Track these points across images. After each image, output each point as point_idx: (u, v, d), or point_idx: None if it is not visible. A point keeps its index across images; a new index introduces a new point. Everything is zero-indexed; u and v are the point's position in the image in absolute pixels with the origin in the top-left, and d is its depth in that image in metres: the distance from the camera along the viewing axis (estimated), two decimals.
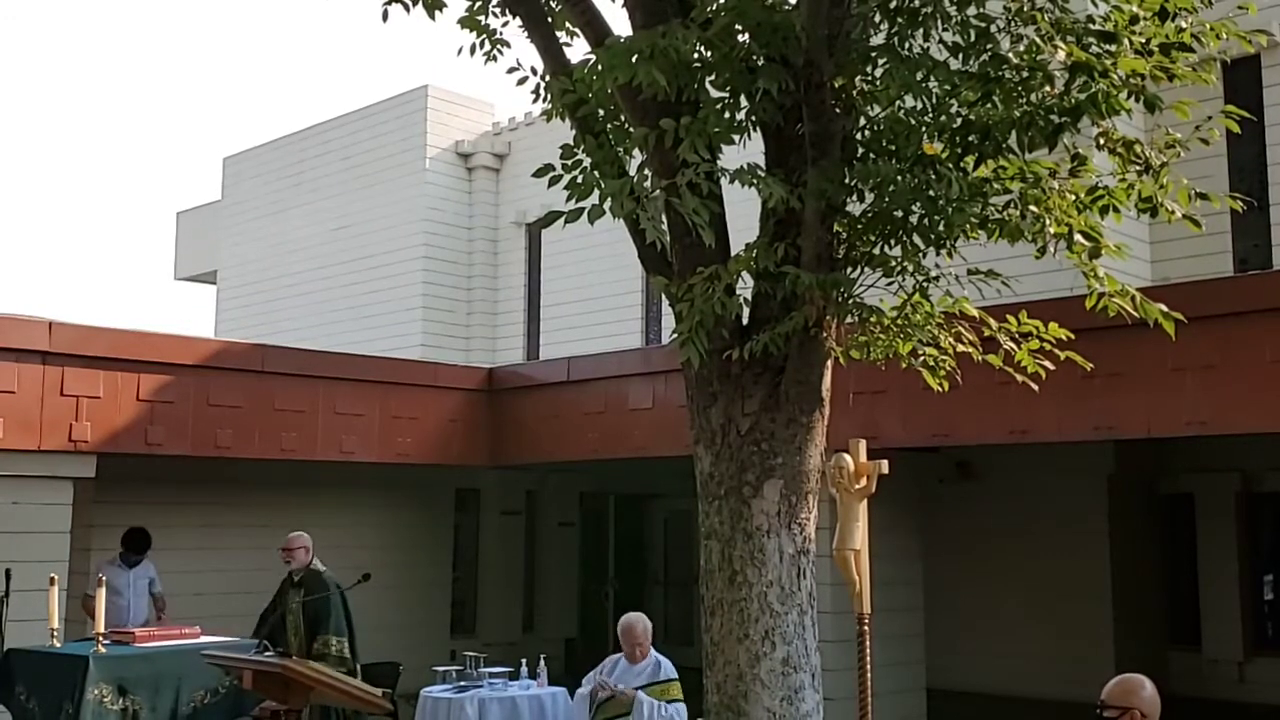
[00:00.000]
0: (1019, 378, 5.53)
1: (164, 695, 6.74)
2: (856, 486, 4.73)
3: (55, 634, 7.32)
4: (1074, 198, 5.13)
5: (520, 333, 17.67)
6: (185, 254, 22.76)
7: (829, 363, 5.56)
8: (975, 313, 5.40)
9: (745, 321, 5.46)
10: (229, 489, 11.70)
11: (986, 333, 5.46)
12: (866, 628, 4.81)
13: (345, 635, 7.80)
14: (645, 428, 11.02)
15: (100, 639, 6.93)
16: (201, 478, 11.45)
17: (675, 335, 5.02)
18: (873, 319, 5.28)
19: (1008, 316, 5.49)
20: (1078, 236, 5.09)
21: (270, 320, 19.11)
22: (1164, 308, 5.04)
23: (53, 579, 7.36)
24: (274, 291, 19.53)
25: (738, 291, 5.08)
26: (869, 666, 4.76)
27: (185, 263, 22.78)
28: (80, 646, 7.03)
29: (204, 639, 7.54)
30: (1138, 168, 5.09)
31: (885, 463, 4.78)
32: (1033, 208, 5.10)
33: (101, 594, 7.20)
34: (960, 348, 5.55)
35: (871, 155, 5.17)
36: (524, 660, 8.75)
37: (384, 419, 11.49)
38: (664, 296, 5.38)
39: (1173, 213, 4.97)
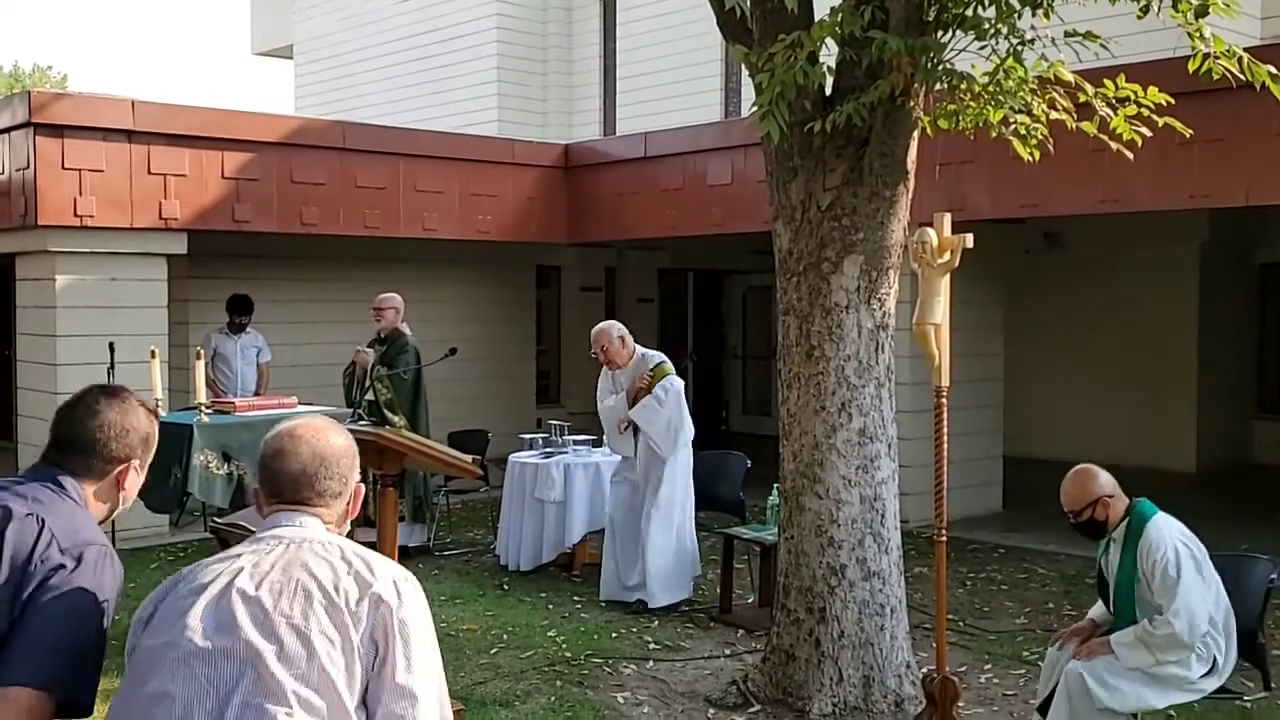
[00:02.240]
0: (1113, 145, 5.33)
1: None
2: (939, 261, 4.65)
3: (159, 404, 7.66)
4: None
5: (596, 107, 17.35)
6: (260, 28, 22.51)
7: (915, 133, 5.40)
8: (1071, 77, 5.16)
9: (828, 92, 5.30)
10: (316, 265, 11.92)
11: (1082, 98, 5.23)
12: (945, 400, 4.82)
13: (404, 413, 8.21)
14: (724, 204, 10.90)
15: (202, 408, 7.23)
16: (289, 254, 11.67)
17: (755, 108, 4.89)
18: (963, 86, 5.08)
19: (1105, 81, 5.24)
20: None
21: (347, 97, 18.97)
22: (1273, 69, 4.77)
23: (153, 352, 7.64)
24: (348, 67, 19.32)
25: (821, 60, 4.90)
26: (945, 438, 4.80)
27: (261, 37, 22.55)
28: (184, 416, 7.34)
29: (300, 408, 7.83)
30: None
31: (970, 236, 4.69)
32: None
33: (200, 366, 7.47)
34: (1053, 115, 5.34)
35: None
36: None
37: (463, 196, 11.51)
38: (744, 67, 5.21)
39: None
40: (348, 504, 2.36)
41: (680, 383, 7.38)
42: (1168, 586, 4.32)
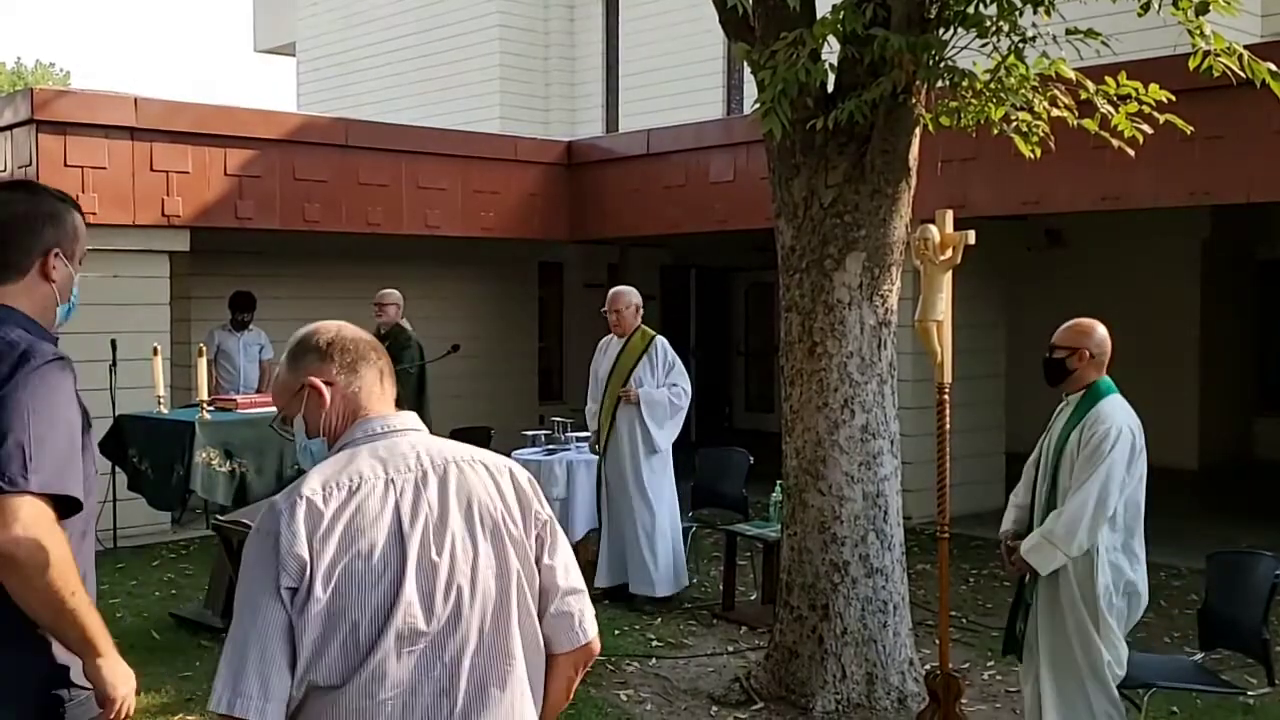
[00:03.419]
0: (1115, 142, 5.33)
1: (268, 459, 7.04)
2: (941, 258, 4.65)
3: (161, 401, 7.67)
4: None
5: (599, 104, 17.34)
6: (263, 25, 22.51)
7: (917, 131, 5.40)
8: (1072, 75, 5.16)
9: (830, 89, 5.30)
10: (319, 263, 11.93)
11: (1083, 95, 5.23)
12: (947, 397, 4.83)
13: (410, 408, 8.19)
14: (726, 201, 10.90)
15: (204, 406, 7.23)
16: (292, 251, 11.68)
17: (757, 105, 4.89)
18: (964, 83, 5.08)
19: (1106, 78, 5.24)
20: None
21: (349, 94, 18.97)
22: (1273, 67, 4.77)
23: (155, 349, 7.65)
24: (351, 64, 19.32)
25: (823, 57, 4.90)
26: (948, 434, 4.81)
27: (264, 34, 22.55)
28: (186, 413, 7.35)
29: None
30: None
31: (971, 233, 4.69)
32: None
33: (202, 364, 7.47)
34: (1055, 112, 5.34)
35: None
36: None
37: (466, 193, 11.51)
38: (746, 64, 5.21)
39: None
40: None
41: (664, 341, 7.44)
42: (1094, 461, 4.18)
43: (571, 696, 2.25)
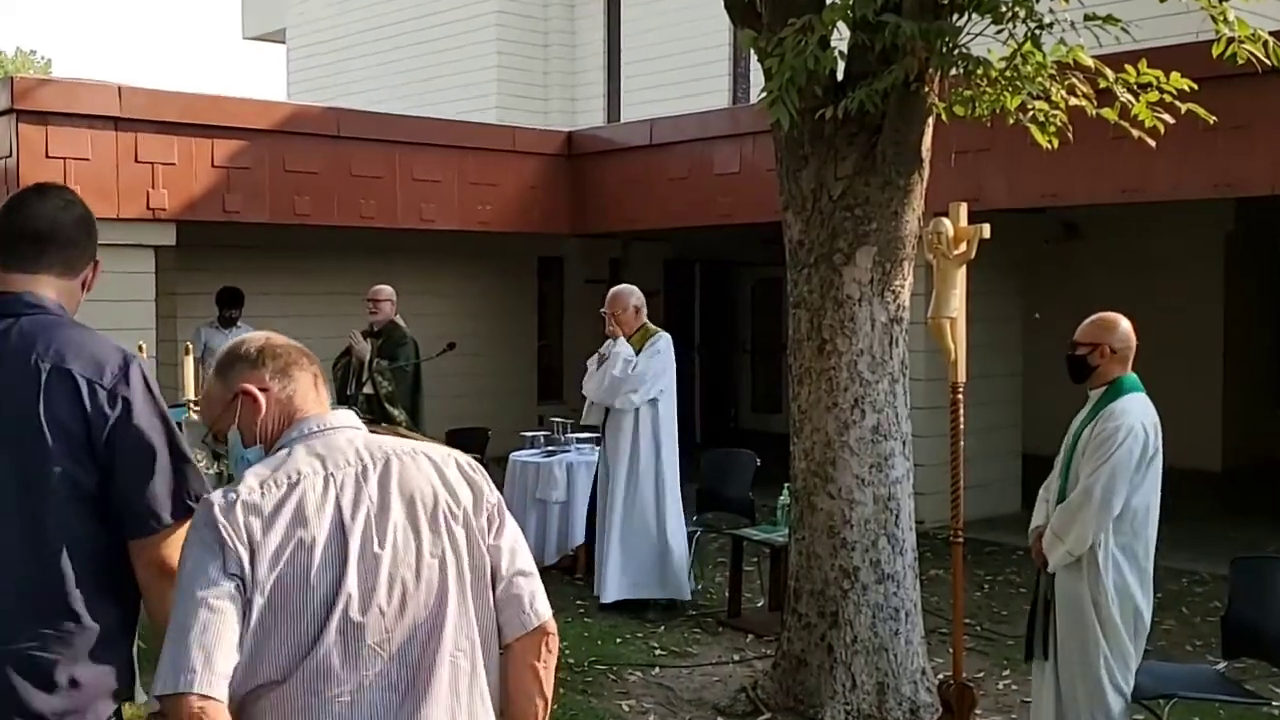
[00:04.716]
0: (1135, 133, 5.32)
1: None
2: (955, 252, 4.65)
3: None
4: None
5: (600, 93, 17.34)
6: (252, 10, 22.51)
7: (930, 120, 5.40)
8: (1091, 62, 5.14)
9: (840, 77, 5.29)
10: (311, 258, 11.94)
11: (1102, 84, 5.22)
12: (960, 396, 4.83)
13: (405, 407, 8.20)
14: (732, 193, 10.89)
15: (191, 406, 7.23)
16: (282, 246, 11.68)
17: (764, 94, 4.88)
18: (979, 71, 5.07)
19: (1126, 66, 5.23)
20: None
21: (341, 82, 18.97)
22: None
23: (141, 347, 7.62)
24: (343, 52, 19.32)
25: (832, 44, 4.90)
26: (961, 435, 4.80)
27: (253, 20, 22.56)
28: (173, 414, 7.32)
29: None
30: None
31: (987, 227, 4.69)
32: None
33: (189, 361, 7.46)
34: (1073, 101, 5.33)
35: None
36: None
37: (463, 185, 11.51)
38: (752, 52, 5.21)
39: None
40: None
41: (665, 338, 7.26)
42: (1099, 456, 4.20)
43: (548, 690, 2.22)
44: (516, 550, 2.21)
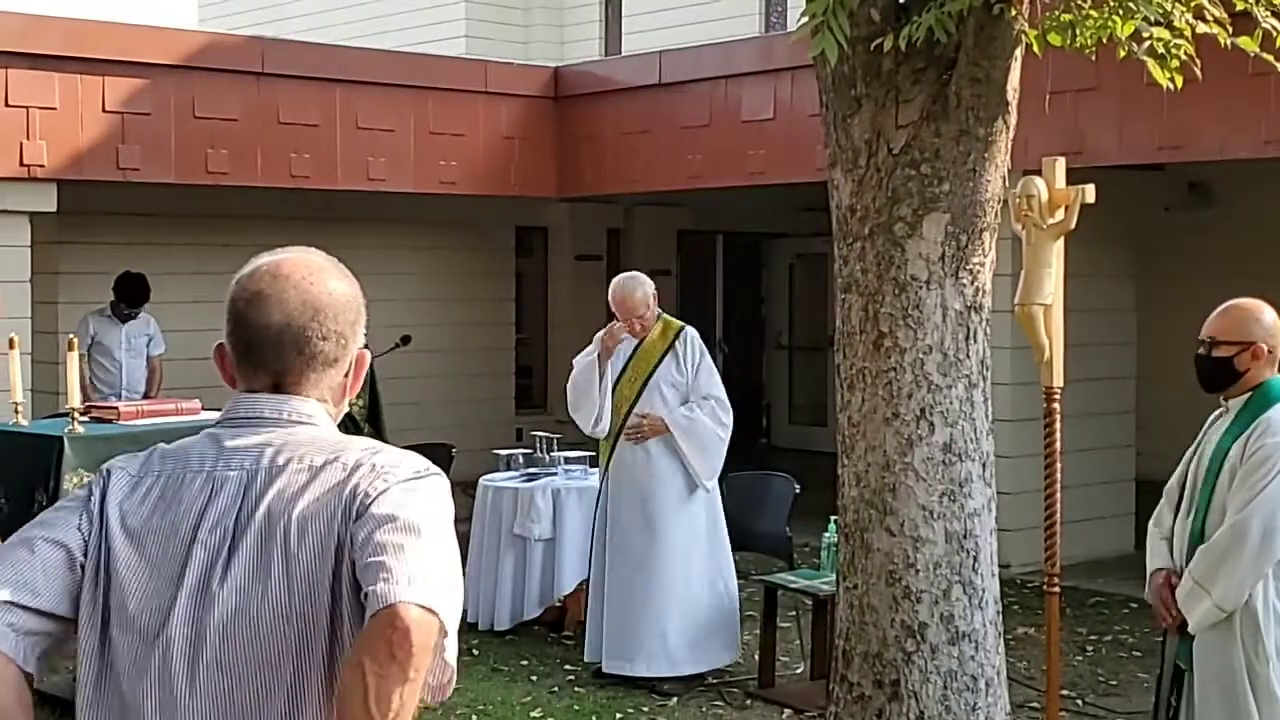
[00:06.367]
0: None
1: None
2: (1050, 221, 4.66)
3: (19, 409, 7.65)
4: None
5: (596, 18, 17.39)
6: None
7: (1018, 52, 5.38)
8: None
9: None
10: (227, 228, 11.93)
11: (1239, 6, 5.21)
12: (1057, 405, 4.82)
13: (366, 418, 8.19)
14: (764, 145, 10.91)
15: (76, 415, 7.22)
16: (193, 212, 11.71)
17: (805, 19, 4.87)
18: None
19: None
20: None
21: (267, 5, 19.03)
22: None
23: (12, 340, 7.63)
24: None
25: None
26: (1058, 455, 4.80)
27: None
28: (52, 425, 7.33)
29: (205, 414, 7.83)
30: None
31: (1091, 188, 4.69)
32: None
33: (74, 359, 7.46)
34: (1201, 28, 5.32)
35: None
36: None
37: (420, 136, 11.51)
38: None
39: None
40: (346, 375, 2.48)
41: (694, 334, 7.32)
42: (1254, 480, 4.18)
43: (381, 707, 2.01)
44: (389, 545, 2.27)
